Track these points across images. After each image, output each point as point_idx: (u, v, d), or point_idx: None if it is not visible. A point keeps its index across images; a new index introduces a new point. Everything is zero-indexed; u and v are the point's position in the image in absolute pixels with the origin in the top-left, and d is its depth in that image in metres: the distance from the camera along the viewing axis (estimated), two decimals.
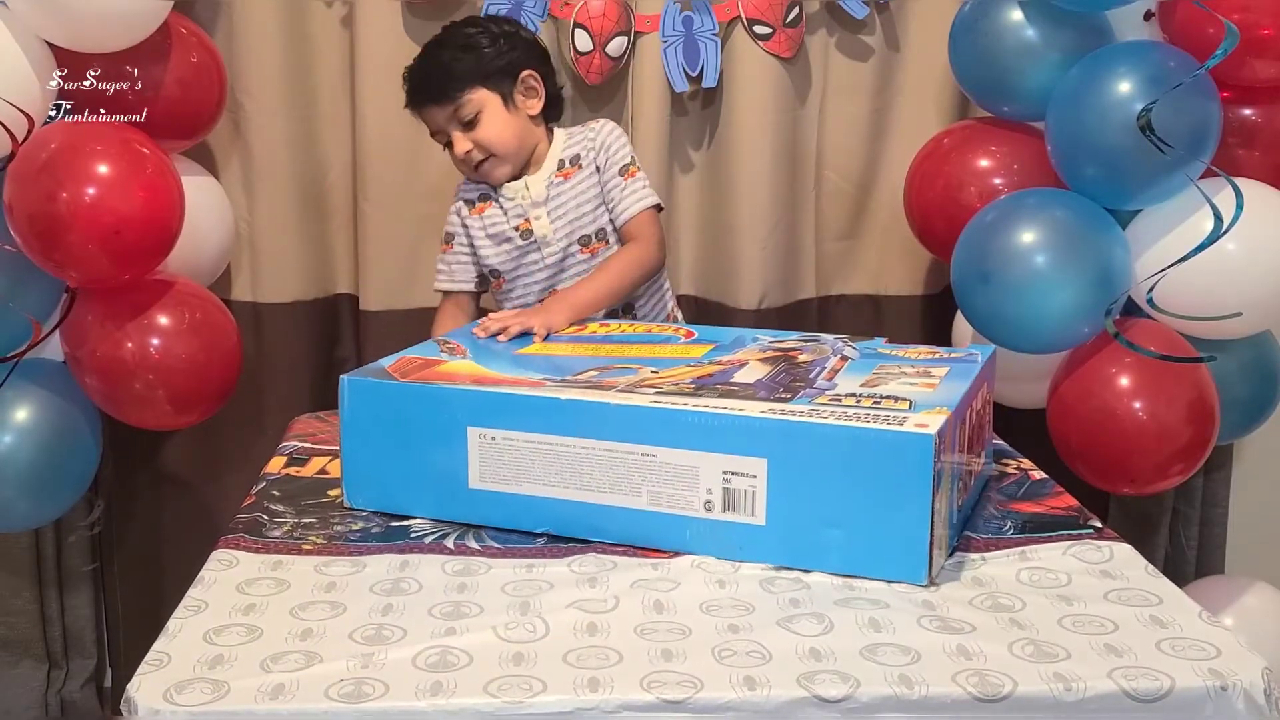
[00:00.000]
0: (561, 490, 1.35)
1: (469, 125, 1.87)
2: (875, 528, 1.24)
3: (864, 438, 1.23)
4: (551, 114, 1.98)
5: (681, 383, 1.41)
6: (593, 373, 1.46)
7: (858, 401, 1.31)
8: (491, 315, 1.74)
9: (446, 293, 2.00)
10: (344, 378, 1.44)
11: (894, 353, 1.56)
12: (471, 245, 1.97)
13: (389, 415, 1.42)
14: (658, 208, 1.94)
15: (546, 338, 1.69)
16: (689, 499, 1.30)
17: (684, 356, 1.55)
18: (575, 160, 1.94)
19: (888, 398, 1.32)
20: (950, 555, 1.31)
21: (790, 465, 1.25)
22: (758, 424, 1.26)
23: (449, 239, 1.99)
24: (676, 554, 1.32)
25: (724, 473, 1.28)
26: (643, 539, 1.33)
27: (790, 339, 1.64)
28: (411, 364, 1.50)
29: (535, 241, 1.92)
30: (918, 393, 1.34)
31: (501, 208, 1.94)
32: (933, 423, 1.23)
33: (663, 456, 1.30)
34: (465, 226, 1.96)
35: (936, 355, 1.55)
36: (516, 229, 1.92)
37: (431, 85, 1.88)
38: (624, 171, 1.92)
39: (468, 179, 1.98)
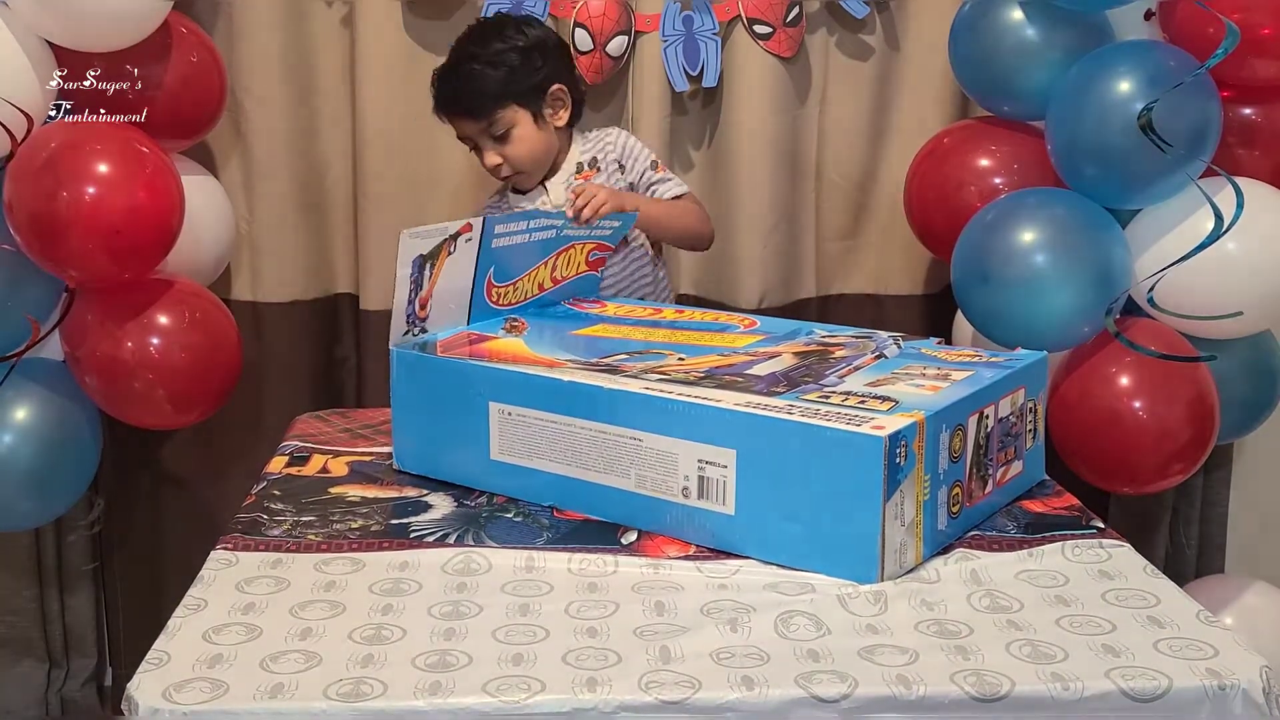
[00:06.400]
0: (564, 467, 1.40)
1: (500, 140, 1.89)
2: (829, 525, 1.24)
3: (820, 436, 1.22)
4: (575, 120, 1.99)
5: (694, 371, 1.42)
6: (622, 356, 1.49)
7: (844, 399, 1.30)
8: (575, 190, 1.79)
9: None
10: (392, 349, 1.53)
11: (934, 353, 1.50)
12: None
13: (427, 386, 1.50)
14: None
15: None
16: (670, 484, 1.33)
17: (724, 345, 1.55)
18: (593, 163, 1.96)
19: (877, 397, 1.30)
20: (928, 558, 1.29)
21: (756, 458, 1.27)
22: (728, 415, 1.28)
23: None
24: (675, 556, 1.32)
25: (699, 461, 1.30)
26: (631, 519, 1.37)
27: (843, 334, 1.60)
28: (464, 339, 1.57)
29: None
30: (918, 395, 1.31)
31: None
32: (893, 425, 1.21)
33: (647, 441, 1.33)
34: None
35: (973, 358, 1.47)
36: None
37: (463, 99, 1.89)
38: (654, 166, 1.97)
39: (494, 193, 2.03)
